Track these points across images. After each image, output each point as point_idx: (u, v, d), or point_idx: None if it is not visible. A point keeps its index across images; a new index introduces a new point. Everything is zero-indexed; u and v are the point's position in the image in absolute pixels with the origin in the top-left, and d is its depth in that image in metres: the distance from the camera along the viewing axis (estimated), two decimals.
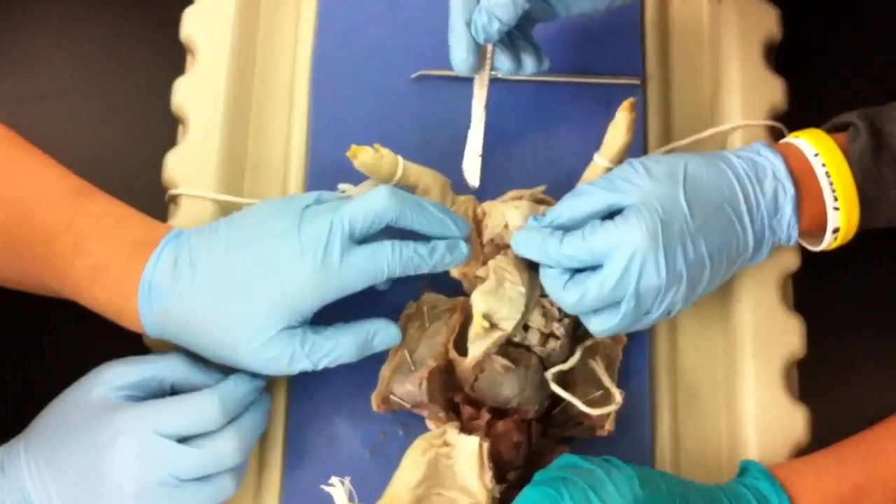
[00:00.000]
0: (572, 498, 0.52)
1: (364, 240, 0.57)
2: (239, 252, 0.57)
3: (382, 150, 0.61)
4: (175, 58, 0.72)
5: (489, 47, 0.64)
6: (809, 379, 0.64)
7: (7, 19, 0.75)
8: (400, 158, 0.61)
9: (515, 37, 0.64)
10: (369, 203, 0.57)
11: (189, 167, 0.67)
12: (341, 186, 0.63)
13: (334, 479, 0.56)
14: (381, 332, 0.59)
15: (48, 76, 0.74)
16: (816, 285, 0.65)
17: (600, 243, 0.56)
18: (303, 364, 0.57)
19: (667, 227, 0.55)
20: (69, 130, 0.73)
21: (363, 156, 0.60)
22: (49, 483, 0.53)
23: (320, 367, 0.57)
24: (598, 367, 0.61)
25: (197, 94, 0.69)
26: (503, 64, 0.64)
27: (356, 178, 0.62)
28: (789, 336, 0.62)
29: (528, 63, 0.64)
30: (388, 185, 0.58)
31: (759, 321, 0.62)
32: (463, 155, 0.66)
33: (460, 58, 0.62)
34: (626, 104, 0.62)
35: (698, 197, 0.56)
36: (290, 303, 0.56)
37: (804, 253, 0.63)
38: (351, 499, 0.56)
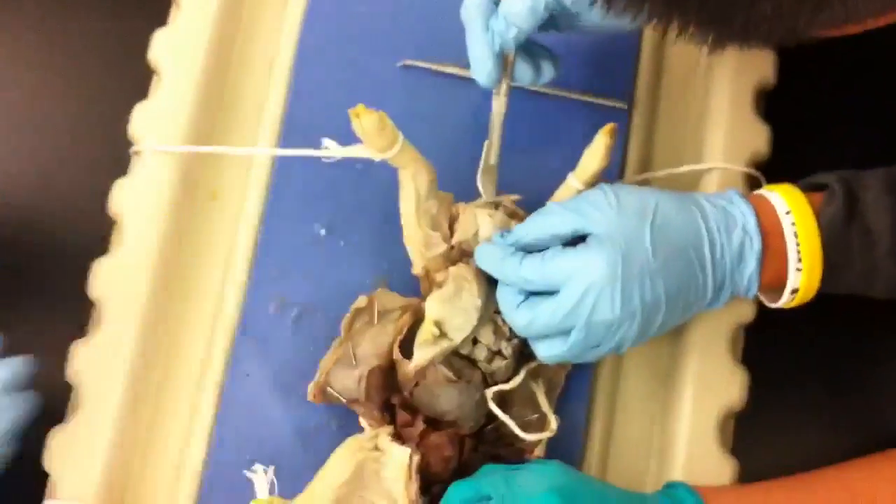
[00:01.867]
0: (491, 484, 0.53)
1: None
2: None
3: (388, 120, 0.58)
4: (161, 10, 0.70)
5: (510, 58, 0.62)
6: (744, 432, 0.64)
7: None
8: (401, 135, 0.59)
9: (531, 44, 0.64)
10: None
11: (156, 122, 0.65)
12: (326, 142, 0.60)
13: (258, 467, 0.55)
14: None
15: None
16: (766, 339, 0.64)
17: (558, 270, 0.55)
18: None
19: (627, 263, 0.54)
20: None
21: (366, 119, 0.57)
22: None
23: None
24: (539, 391, 0.61)
25: (176, 48, 0.67)
26: (524, 74, 0.63)
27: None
28: (731, 387, 0.62)
29: (547, 70, 0.64)
30: None
31: (704, 369, 0.62)
32: (448, 151, 0.65)
33: (484, 70, 0.61)
34: (606, 129, 0.61)
35: (664, 237, 0.56)
36: None
37: (758, 306, 0.63)
38: (272, 490, 0.55)
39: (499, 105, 0.64)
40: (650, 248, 0.55)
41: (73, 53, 0.73)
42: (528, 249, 0.58)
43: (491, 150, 0.64)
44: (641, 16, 0.44)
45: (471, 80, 0.63)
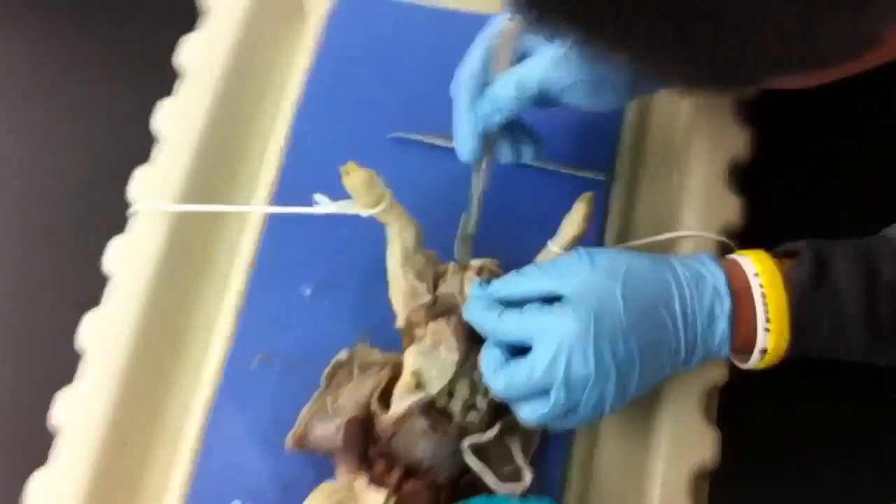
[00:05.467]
0: None
1: None
2: None
3: (377, 178, 0.61)
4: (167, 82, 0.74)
5: (492, 137, 0.65)
6: (721, 489, 0.64)
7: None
8: (389, 193, 0.61)
9: (515, 126, 0.66)
10: None
11: (154, 184, 0.68)
12: (317, 197, 0.62)
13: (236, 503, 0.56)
14: None
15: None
16: (741, 399, 0.65)
17: (534, 325, 0.57)
18: None
19: (599, 320, 0.56)
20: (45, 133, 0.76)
21: (356, 175, 0.60)
22: None
23: None
24: (514, 445, 0.61)
25: (177, 116, 0.71)
26: (504, 154, 0.66)
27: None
28: (703, 447, 0.62)
29: (527, 152, 0.67)
30: None
31: (676, 429, 0.62)
32: (433, 218, 0.65)
33: (467, 148, 0.64)
34: (584, 197, 0.64)
35: (635, 295, 0.57)
36: None
37: (734, 368, 0.64)
38: None
39: (478, 180, 0.66)
40: (622, 305, 0.56)
41: (81, 121, 0.78)
42: (510, 304, 0.59)
43: (469, 221, 0.66)
44: (620, 60, 0.46)
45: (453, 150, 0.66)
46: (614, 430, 0.66)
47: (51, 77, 0.80)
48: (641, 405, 0.64)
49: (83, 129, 0.77)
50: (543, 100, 0.64)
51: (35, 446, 0.63)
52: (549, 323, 0.56)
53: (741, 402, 0.65)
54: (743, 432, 0.63)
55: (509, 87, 0.62)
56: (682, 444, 0.62)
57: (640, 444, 0.64)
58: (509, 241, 0.69)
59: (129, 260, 0.66)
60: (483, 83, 0.64)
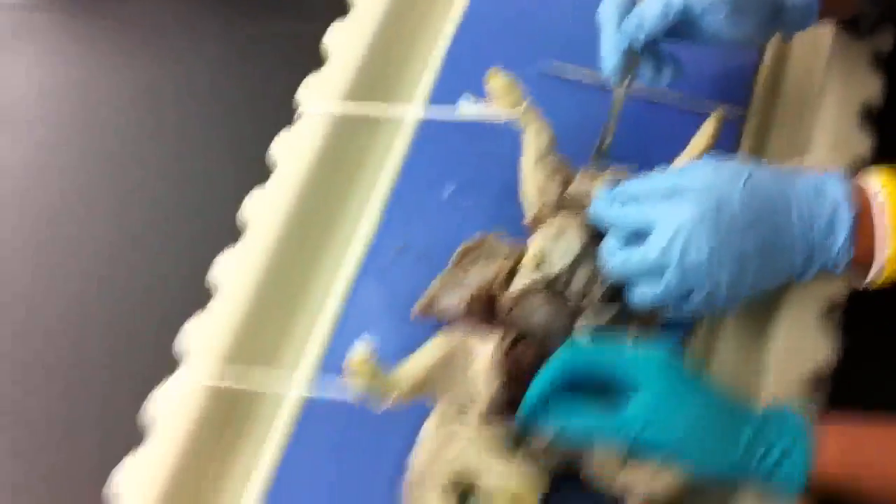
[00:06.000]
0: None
1: None
2: None
3: (517, 84, 0.68)
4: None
5: (636, 56, 0.69)
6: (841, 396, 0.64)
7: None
8: (528, 98, 0.68)
9: (658, 48, 0.71)
10: None
11: (319, 90, 0.77)
12: (462, 100, 0.70)
13: (365, 335, 0.60)
14: None
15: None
16: (865, 317, 0.66)
17: (654, 210, 0.60)
18: None
19: (718, 211, 0.59)
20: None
21: (498, 80, 0.67)
22: None
23: None
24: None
25: (345, 35, 0.80)
26: (646, 73, 0.70)
27: None
28: (819, 352, 0.63)
29: (668, 74, 0.71)
30: None
31: (793, 332, 0.63)
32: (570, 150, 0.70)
33: (611, 63, 0.69)
34: (715, 113, 0.67)
35: (755, 196, 0.60)
36: None
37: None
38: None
39: (619, 94, 0.71)
40: (741, 201, 0.59)
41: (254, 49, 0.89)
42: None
43: (607, 133, 0.71)
44: None
45: (598, 88, 0.71)
46: (731, 330, 0.68)
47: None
48: (759, 313, 0.66)
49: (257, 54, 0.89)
50: (686, 23, 0.67)
51: (193, 301, 0.71)
52: (668, 209, 0.60)
53: (866, 319, 0.66)
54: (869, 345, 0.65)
55: (656, 4, 0.67)
56: (799, 346, 0.63)
57: (756, 348, 0.65)
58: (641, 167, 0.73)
59: (292, 149, 0.74)
60: (631, 4, 0.69)
